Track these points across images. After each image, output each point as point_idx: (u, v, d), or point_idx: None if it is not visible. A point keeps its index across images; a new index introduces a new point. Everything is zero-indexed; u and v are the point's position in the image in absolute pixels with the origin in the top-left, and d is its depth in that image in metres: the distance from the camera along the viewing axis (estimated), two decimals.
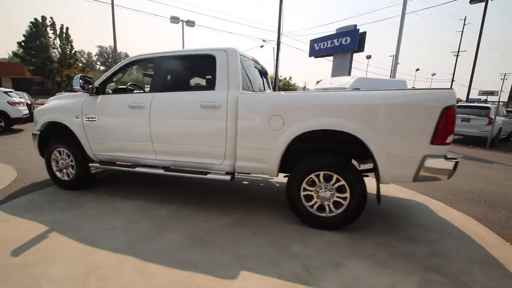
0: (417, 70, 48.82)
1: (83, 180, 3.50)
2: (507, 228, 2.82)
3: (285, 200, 2.70)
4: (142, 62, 3.25)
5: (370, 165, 2.69)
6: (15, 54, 25.15)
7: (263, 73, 3.67)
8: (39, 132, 3.60)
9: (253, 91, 3.05)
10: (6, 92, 9.07)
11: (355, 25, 15.87)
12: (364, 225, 2.68)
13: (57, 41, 23.43)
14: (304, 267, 1.98)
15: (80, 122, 3.26)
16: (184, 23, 18.62)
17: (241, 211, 2.98)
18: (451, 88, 2.20)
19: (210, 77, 2.88)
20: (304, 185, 2.55)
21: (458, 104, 10.85)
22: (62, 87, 24.40)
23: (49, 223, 2.59)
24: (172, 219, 2.74)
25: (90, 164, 3.37)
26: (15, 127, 9.55)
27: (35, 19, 23.30)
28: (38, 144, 3.64)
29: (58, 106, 3.47)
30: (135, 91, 3.59)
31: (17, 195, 3.32)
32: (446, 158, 2.21)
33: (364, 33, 15.29)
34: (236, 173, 2.87)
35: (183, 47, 20.11)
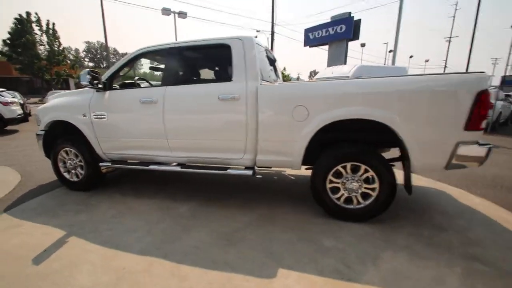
0: (411, 57, 49.00)
1: (94, 180, 3.36)
2: None
3: (304, 193, 2.64)
4: (151, 54, 3.09)
5: (391, 154, 2.62)
6: (0, 52, 24.25)
7: (273, 61, 3.54)
8: (43, 132, 3.43)
9: (267, 81, 2.93)
10: None
11: (350, 13, 15.66)
12: (391, 215, 2.62)
13: (44, 38, 22.60)
14: (342, 262, 1.91)
15: (88, 120, 3.10)
16: (176, 15, 18.12)
17: (263, 206, 2.89)
18: (483, 72, 2.12)
19: (226, 68, 2.75)
20: (330, 177, 2.47)
21: None
22: (52, 85, 23.69)
23: (65, 227, 2.47)
24: (194, 217, 2.65)
25: (100, 164, 3.23)
26: (10, 128, 9.22)
27: (20, 15, 22.38)
28: (43, 144, 3.47)
29: (62, 104, 3.29)
30: (142, 86, 3.43)
31: (24, 199, 3.17)
32: (479, 144, 2.14)
33: (359, 21, 15.11)
34: (256, 168, 2.77)
35: (176, 39, 19.64)
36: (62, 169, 3.43)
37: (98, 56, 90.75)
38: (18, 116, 8.92)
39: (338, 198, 2.50)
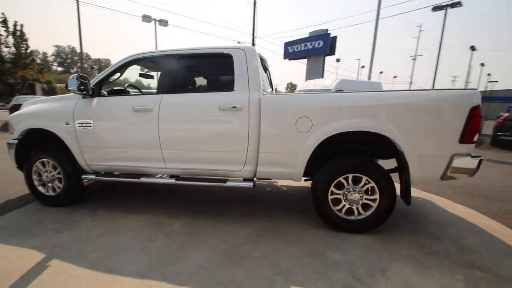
0: (381, 72, 52.26)
1: (74, 194, 3.07)
2: (511, 219, 3.00)
3: (299, 204, 2.61)
4: (145, 61, 2.94)
5: (387, 165, 2.69)
6: None
7: (266, 69, 3.55)
8: (16, 141, 3.09)
9: (264, 90, 2.91)
10: None
11: (327, 29, 16.53)
12: (387, 225, 2.66)
13: (10, 39, 20.99)
14: (353, 276, 1.88)
15: (71, 128, 2.86)
16: (157, 23, 17.81)
17: (260, 219, 2.81)
18: (475, 88, 2.27)
19: (226, 77, 2.69)
20: (332, 188, 2.47)
21: None
22: (16, 89, 21.90)
23: (45, 249, 2.20)
24: (189, 234, 2.49)
25: (83, 176, 2.97)
26: None
27: None
28: (15, 154, 3.12)
29: (41, 111, 3.01)
30: (132, 93, 3.25)
31: None
32: (472, 156, 2.27)
33: (335, 38, 15.98)
34: (255, 180, 2.70)
35: (156, 48, 19.24)
36: (36, 182, 3.10)
37: (69, 60, 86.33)
38: None
39: (340, 210, 2.50)
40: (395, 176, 2.54)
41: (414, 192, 3.87)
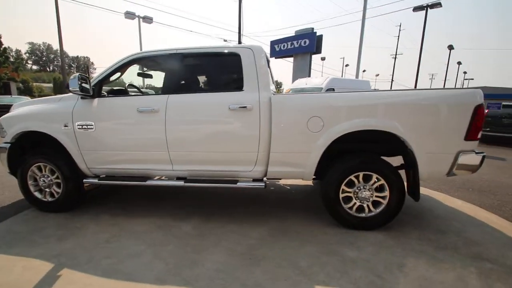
0: (364, 71, 53.48)
1: (74, 199, 2.94)
2: (507, 212, 3.17)
3: (305, 202, 2.64)
4: (147, 60, 2.84)
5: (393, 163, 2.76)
6: None
7: (269, 68, 3.53)
8: (9, 144, 2.91)
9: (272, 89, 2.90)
10: None
11: (312, 28, 16.75)
12: (395, 221, 2.73)
13: None
14: (373, 272, 1.91)
15: (70, 131, 2.72)
16: (141, 19, 17.31)
17: (270, 219, 2.80)
18: (478, 88, 2.37)
19: (235, 77, 2.65)
20: (343, 186, 2.50)
21: None
22: None
23: (51, 258, 2.09)
24: (201, 236, 2.45)
25: (84, 180, 2.84)
26: None
27: None
28: (7, 159, 2.93)
29: (36, 113, 2.85)
30: (131, 93, 3.14)
31: None
32: (476, 153, 2.36)
33: (321, 36, 16.22)
34: (265, 180, 2.70)
35: (140, 46, 18.71)
36: (32, 188, 2.94)
37: (44, 58, 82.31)
38: None
39: (351, 208, 2.54)
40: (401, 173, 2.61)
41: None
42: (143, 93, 3.17)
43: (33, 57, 79.66)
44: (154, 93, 3.16)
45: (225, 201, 3.32)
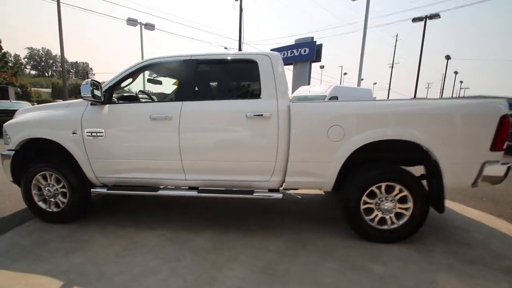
0: (362, 79, 53.87)
1: (81, 209, 2.81)
2: None
3: (320, 212, 2.54)
4: (161, 66, 2.76)
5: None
6: None
7: None
8: (13, 151, 2.79)
9: None
10: None
11: (312, 37, 16.96)
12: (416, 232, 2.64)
13: None
14: None
15: (79, 138, 2.62)
16: (143, 26, 17.37)
17: (286, 231, 2.69)
18: (503, 97, 2.32)
19: (252, 84, 2.58)
20: (364, 197, 2.41)
21: None
22: None
23: (59, 274, 1.95)
24: (217, 250, 2.33)
25: (93, 190, 2.72)
26: None
27: None
28: (11, 167, 2.81)
29: (43, 119, 2.74)
30: (142, 100, 3.06)
31: None
32: (502, 163, 2.30)
33: (321, 45, 16.41)
34: (281, 190, 2.60)
35: (142, 52, 18.73)
36: (36, 197, 2.81)
37: (43, 63, 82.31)
38: None
39: (372, 220, 2.44)
40: None
41: None
42: (154, 101, 3.07)
43: (31, 62, 79.61)
44: (156, 99, 3.06)
45: (236, 211, 3.20)
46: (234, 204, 3.43)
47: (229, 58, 2.59)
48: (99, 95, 2.47)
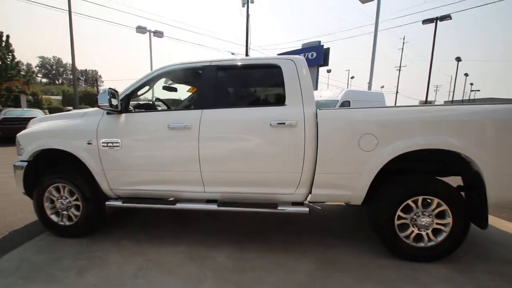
0: (369, 83, 53.41)
1: (94, 223, 2.68)
2: None
3: (344, 226, 2.36)
4: (179, 73, 2.65)
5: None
6: None
7: None
8: (25, 163, 2.70)
9: None
10: None
11: (319, 41, 16.79)
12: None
13: None
14: None
15: (94, 149, 2.51)
16: (152, 34, 17.57)
17: (312, 248, 2.51)
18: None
19: (275, 90, 2.44)
20: (399, 212, 2.22)
21: None
22: (0, 102, 20.87)
23: None
24: (240, 270, 2.16)
25: (107, 203, 2.59)
26: None
27: None
28: (23, 178, 2.71)
29: (57, 129, 2.65)
30: (160, 108, 2.94)
31: None
32: None
33: (328, 49, 16.19)
34: (306, 203, 2.43)
35: (151, 59, 18.91)
36: (48, 211, 2.69)
37: (54, 72, 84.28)
38: None
39: (407, 236, 2.24)
40: None
41: None
42: (171, 109, 2.95)
43: (43, 71, 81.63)
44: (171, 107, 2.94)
45: (255, 225, 3.03)
46: (251, 216, 3.26)
47: (251, 63, 2.46)
48: (116, 104, 2.36)
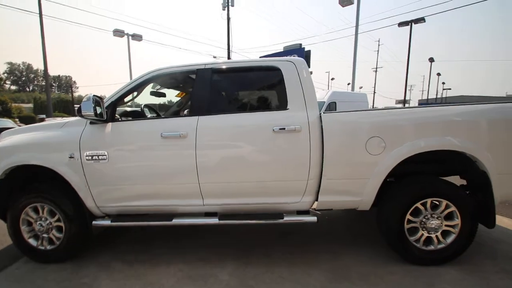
0: (348, 84, 54.96)
1: (79, 245, 2.42)
2: None
3: (347, 231, 2.28)
4: (171, 77, 2.46)
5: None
6: None
7: None
8: None
9: None
10: None
11: (301, 44, 17.02)
12: None
13: None
14: None
15: (77, 163, 2.25)
16: (130, 37, 16.96)
17: (320, 257, 2.39)
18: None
19: (275, 94, 2.31)
20: (408, 216, 2.15)
21: None
22: None
23: None
24: (245, 287, 2.00)
25: (94, 222, 2.34)
26: None
27: None
28: None
29: (34, 142, 2.36)
30: (149, 116, 2.73)
31: None
32: None
33: (309, 52, 16.43)
34: (312, 211, 2.32)
35: (129, 64, 18.26)
36: (26, 234, 2.40)
37: (24, 78, 79.76)
38: None
39: (417, 240, 2.18)
40: None
41: None
42: (161, 116, 2.75)
43: (11, 77, 76.93)
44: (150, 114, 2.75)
45: (255, 236, 2.87)
46: (249, 226, 3.10)
47: (248, 65, 2.32)
48: (101, 112, 2.13)
